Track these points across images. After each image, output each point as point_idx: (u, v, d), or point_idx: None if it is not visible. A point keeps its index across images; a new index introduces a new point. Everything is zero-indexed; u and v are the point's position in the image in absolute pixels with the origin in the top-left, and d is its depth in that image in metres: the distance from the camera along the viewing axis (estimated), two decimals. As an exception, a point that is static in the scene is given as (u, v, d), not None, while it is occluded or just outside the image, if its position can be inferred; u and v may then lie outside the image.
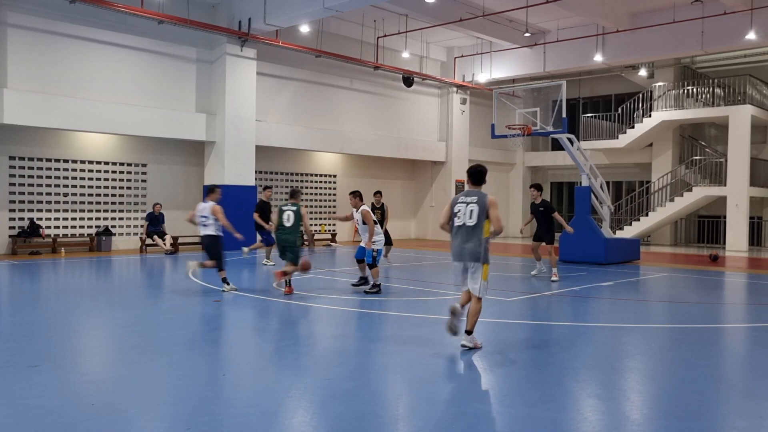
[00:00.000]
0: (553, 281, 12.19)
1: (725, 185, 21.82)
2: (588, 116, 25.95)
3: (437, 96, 25.63)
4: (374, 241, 10.42)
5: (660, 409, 4.84)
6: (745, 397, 5.26)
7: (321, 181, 23.12)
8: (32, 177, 16.60)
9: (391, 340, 7.15)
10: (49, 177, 16.89)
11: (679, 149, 24.68)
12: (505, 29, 21.73)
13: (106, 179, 17.87)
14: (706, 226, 24.37)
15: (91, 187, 17.61)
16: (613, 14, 19.93)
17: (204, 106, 18.80)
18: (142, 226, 18.11)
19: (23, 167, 16.44)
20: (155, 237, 17.41)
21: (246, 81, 18.81)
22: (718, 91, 23.31)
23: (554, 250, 12.91)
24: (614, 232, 20.77)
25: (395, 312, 8.90)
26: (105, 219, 17.88)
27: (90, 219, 17.62)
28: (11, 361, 5.85)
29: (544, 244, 12.83)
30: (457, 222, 6.52)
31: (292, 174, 22.14)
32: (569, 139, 15.71)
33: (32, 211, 16.61)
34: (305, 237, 10.96)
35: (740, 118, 21.59)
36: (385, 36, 22.00)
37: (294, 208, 10.25)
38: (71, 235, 17.27)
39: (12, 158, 16.26)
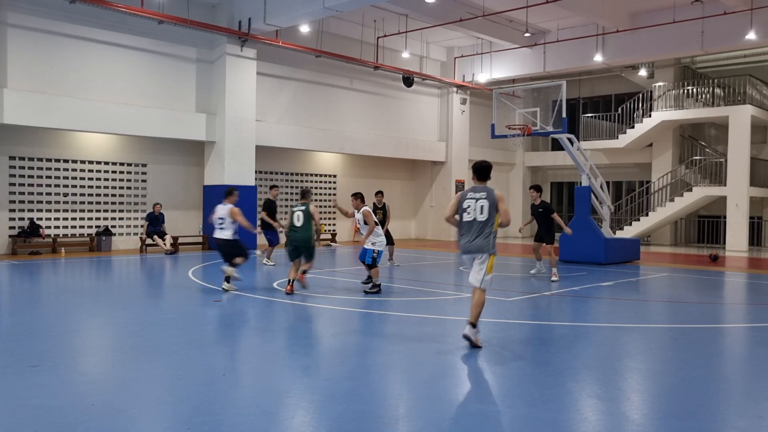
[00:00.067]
0: (553, 281, 12.19)
1: (725, 185, 21.82)
2: (588, 116, 25.95)
3: (437, 96, 25.63)
4: (374, 242, 10.44)
5: (660, 409, 4.83)
6: (745, 397, 5.26)
7: (321, 181, 23.12)
8: (32, 177, 16.60)
9: (391, 340, 7.15)
10: (49, 177, 16.89)
11: (679, 149, 24.68)
12: (505, 29, 21.73)
13: (106, 179, 17.87)
14: (706, 226, 24.37)
15: (91, 187, 17.61)
16: (613, 14, 19.94)
17: (204, 106, 18.81)
18: (142, 226, 18.11)
19: (23, 167, 16.45)
20: (155, 237, 17.41)
21: (246, 81, 18.81)
22: (718, 91, 23.31)
23: (554, 250, 12.94)
24: (614, 232, 20.77)
25: (395, 312, 8.90)
26: (105, 219, 17.88)
27: (90, 219, 17.62)
28: (11, 361, 5.85)
29: (544, 244, 12.92)
30: (467, 217, 6.69)
31: (292, 174, 22.14)
32: (569, 139, 15.71)
33: (32, 211, 16.61)
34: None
35: (740, 118, 21.59)
36: (385, 36, 22.01)
37: (303, 207, 10.33)
38: (71, 235, 17.27)
39: (12, 158, 16.26)
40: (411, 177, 26.48)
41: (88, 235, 17.52)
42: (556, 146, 23.91)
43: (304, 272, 10.30)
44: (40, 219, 16.66)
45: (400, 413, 4.70)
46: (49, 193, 16.89)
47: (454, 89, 25.23)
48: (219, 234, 10.32)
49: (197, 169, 19.50)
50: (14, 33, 15.49)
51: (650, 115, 23.50)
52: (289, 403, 4.89)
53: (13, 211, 16.34)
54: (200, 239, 19.06)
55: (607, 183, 18.79)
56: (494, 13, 19.59)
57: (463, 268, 14.91)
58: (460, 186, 25.38)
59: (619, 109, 25.16)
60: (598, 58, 21.40)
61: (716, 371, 6.08)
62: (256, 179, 19.59)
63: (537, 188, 13.20)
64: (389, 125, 23.88)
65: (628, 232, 23.20)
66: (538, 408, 4.76)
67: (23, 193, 16.47)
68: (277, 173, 21.67)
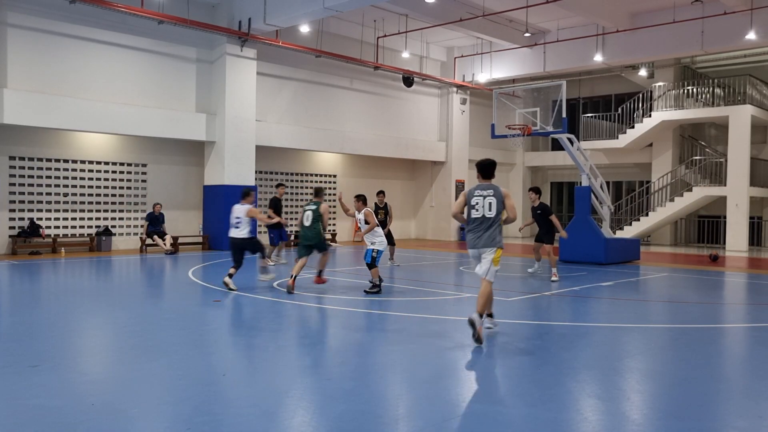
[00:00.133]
0: (553, 281, 12.19)
1: (725, 185, 21.82)
2: (588, 116, 25.95)
3: (437, 96, 25.63)
4: (374, 242, 10.48)
5: (660, 409, 4.83)
6: (745, 397, 5.26)
7: (321, 181, 23.11)
8: (32, 177, 16.60)
9: (391, 340, 7.16)
10: (49, 177, 16.89)
11: (679, 149, 24.68)
12: (505, 29, 21.73)
13: (106, 179, 17.87)
14: (706, 226, 24.37)
15: (91, 187, 17.61)
16: (613, 14, 19.94)
17: (204, 106, 18.81)
18: (142, 226, 18.11)
19: (23, 167, 16.45)
20: (155, 237, 17.41)
21: (246, 81, 18.81)
22: (718, 91, 23.31)
23: (553, 251, 12.96)
24: (614, 232, 20.77)
25: (395, 312, 8.90)
26: (105, 219, 17.88)
27: (90, 219, 17.62)
28: (11, 361, 5.85)
29: (544, 245, 12.96)
30: (476, 214, 6.97)
31: (292, 174, 22.14)
32: (569, 139, 15.71)
33: (32, 211, 16.61)
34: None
35: (740, 118, 21.59)
36: (385, 36, 22.01)
37: (313, 207, 10.59)
38: (71, 235, 17.27)
39: (12, 158, 16.26)
40: (411, 177, 26.49)
41: (88, 235, 17.52)
42: (556, 146, 23.92)
43: (320, 272, 10.80)
44: (40, 219, 16.66)
45: (400, 413, 4.70)
46: (49, 193, 16.89)
47: (454, 89, 25.23)
48: (236, 233, 10.54)
49: (197, 169, 19.50)
50: (14, 33, 15.49)
51: (650, 115, 23.50)
52: (289, 403, 4.89)
53: (13, 211, 16.34)
54: (200, 239, 19.06)
55: (607, 183, 18.79)
56: (494, 13, 19.59)
57: (463, 268, 14.91)
58: (460, 186, 25.38)
59: (619, 109, 25.16)
60: (598, 58, 21.40)
61: (716, 371, 6.08)
62: (256, 179, 19.59)
63: (536, 190, 13.26)
64: (389, 125, 23.88)
65: (628, 232, 23.20)
66: (538, 408, 4.76)
67: (23, 193, 16.47)
68: (277, 173, 21.67)
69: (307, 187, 22.61)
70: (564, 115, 14.95)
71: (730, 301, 11.47)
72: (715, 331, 8.22)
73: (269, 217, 13.87)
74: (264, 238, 15.55)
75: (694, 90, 23.30)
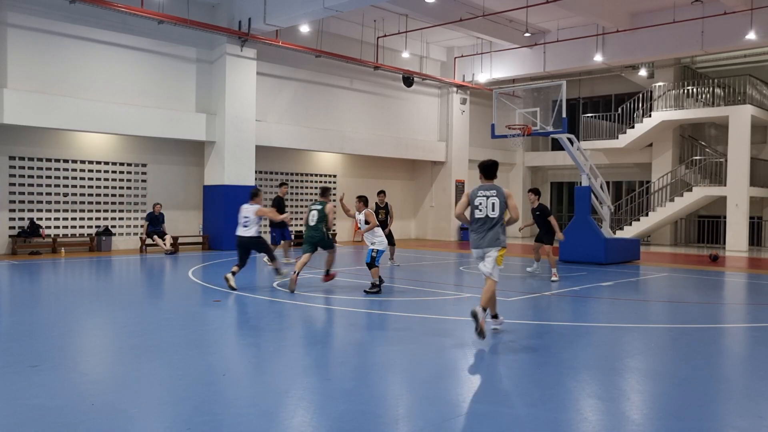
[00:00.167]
0: (553, 281, 12.19)
1: (725, 185, 21.82)
2: (588, 116, 25.95)
3: (437, 96, 25.63)
4: (373, 242, 10.50)
5: (660, 409, 4.83)
6: (745, 397, 5.26)
7: (321, 181, 23.11)
8: (32, 177, 16.60)
9: (391, 340, 7.16)
10: (49, 177, 16.89)
11: (679, 149, 24.68)
12: (505, 29, 21.73)
13: (106, 179, 17.87)
14: (706, 226, 24.37)
15: (91, 187, 17.61)
16: (613, 14, 19.94)
17: (204, 106, 18.81)
18: (142, 226, 18.11)
19: (23, 167, 16.45)
20: (155, 237, 17.41)
21: (246, 81, 18.81)
22: (718, 91, 23.31)
23: (552, 251, 12.97)
24: (614, 232, 20.77)
25: (395, 312, 8.90)
26: (105, 219, 17.88)
27: (90, 219, 17.62)
28: (11, 361, 5.85)
29: (543, 245, 12.99)
30: (479, 214, 7.10)
31: (292, 174, 22.14)
32: (569, 139, 15.71)
33: (32, 211, 16.61)
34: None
35: (740, 118, 21.59)
36: (385, 36, 22.00)
37: (319, 206, 10.72)
38: (71, 235, 17.27)
39: (12, 158, 16.26)
40: (411, 177, 26.49)
41: (88, 235, 17.52)
42: (556, 146, 23.91)
43: (328, 272, 10.97)
44: (40, 219, 16.65)
45: (400, 413, 4.70)
46: (49, 193, 16.89)
47: (454, 89, 25.23)
48: (244, 232, 10.71)
49: (197, 169, 19.50)
50: (14, 33, 15.49)
51: (650, 115, 23.50)
52: (289, 403, 4.89)
53: (13, 211, 16.34)
54: (200, 239, 19.06)
55: (607, 183, 18.79)
56: (494, 13, 19.59)
57: (463, 268, 14.91)
58: (460, 186, 25.39)
59: (619, 109, 25.16)
60: (598, 58, 21.40)
61: (716, 371, 6.08)
62: (256, 179, 19.59)
63: (535, 191, 13.30)
64: (389, 125, 23.88)
65: (628, 232, 23.20)
66: (538, 408, 4.76)
67: (23, 193, 16.47)
68: (277, 173, 21.67)
69: (307, 187, 22.61)
70: (564, 115, 14.95)
71: (730, 301, 11.47)
72: (715, 331, 8.22)
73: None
74: (266, 238, 15.53)
75: (694, 90, 23.30)
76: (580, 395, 5.17)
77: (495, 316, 7.34)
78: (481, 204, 7.07)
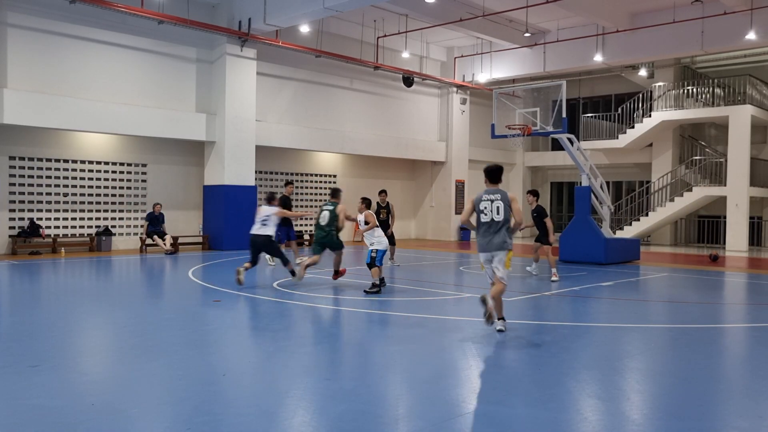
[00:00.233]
0: (553, 281, 12.20)
1: (725, 185, 21.82)
2: (588, 116, 25.95)
3: (437, 96, 25.63)
4: (373, 242, 10.51)
5: (660, 409, 4.83)
6: (746, 397, 5.26)
7: (321, 181, 23.12)
8: (32, 177, 16.60)
9: (391, 340, 7.16)
10: (49, 177, 16.89)
11: (679, 149, 24.68)
12: (505, 29, 21.73)
13: (106, 179, 17.87)
14: (706, 226, 24.37)
15: (91, 187, 17.61)
16: (613, 14, 19.94)
17: (204, 106, 18.80)
18: (142, 226, 18.11)
19: (23, 167, 16.45)
20: (155, 237, 17.41)
21: (246, 81, 18.81)
22: (718, 91, 23.31)
23: (551, 251, 12.98)
24: (614, 232, 20.76)
25: (395, 312, 8.90)
26: (105, 219, 17.88)
27: (90, 219, 17.62)
28: (11, 361, 5.85)
29: (543, 246, 13.01)
30: (485, 218, 7.25)
31: (292, 174, 22.13)
32: (569, 139, 15.71)
33: (32, 211, 16.61)
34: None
35: (740, 118, 21.59)
36: (385, 36, 22.00)
37: (331, 207, 10.88)
38: (71, 235, 17.27)
39: (12, 158, 16.26)
40: (411, 177, 26.49)
41: (88, 235, 17.52)
42: (556, 146, 23.91)
43: (336, 271, 11.12)
44: (40, 219, 16.65)
45: (400, 413, 4.70)
46: (49, 193, 16.89)
47: (454, 89, 25.23)
48: (261, 230, 10.98)
49: (197, 169, 19.50)
50: (14, 33, 15.49)
51: (650, 115, 23.50)
52: (289, 403, 4.89)
53: (13, 211, 16.34)
54: (200, 239, 19.06)
55: (607, 183, 18.79)
56: (494, 13, 19.59)
57: (464, 268, 14.91)
58: (460, 186, 25.39)
59: (619, 109, 25.16)
60: (598, 58, 21.40)
61: (716, 371, 6.08)
62: (256, 179, 19.59)
63: (534, 193, 13.37)
64: (389, 125, 23.88)
65: (628, 232, 23.20)
66: (538, 408, 4.76)
67: (23, 193, 16.47)
68: (277, 173, 21.68)
69: (307, 187, 22.61)
70: (564, 115, 14.95)
71: (730, 301, 11.47)
72: (715, 331, 8.22)
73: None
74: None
75: (694, 90, 23.30)
76: (580, 395, 5.17)
77: (501, 318, 7.39)
78: (486, 208, 7.21)
